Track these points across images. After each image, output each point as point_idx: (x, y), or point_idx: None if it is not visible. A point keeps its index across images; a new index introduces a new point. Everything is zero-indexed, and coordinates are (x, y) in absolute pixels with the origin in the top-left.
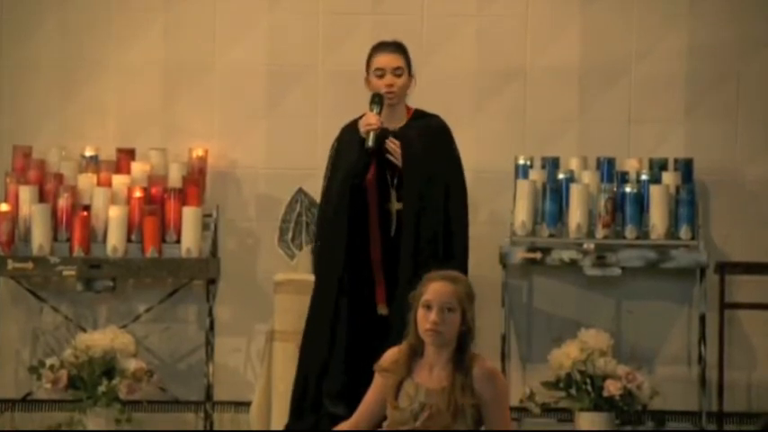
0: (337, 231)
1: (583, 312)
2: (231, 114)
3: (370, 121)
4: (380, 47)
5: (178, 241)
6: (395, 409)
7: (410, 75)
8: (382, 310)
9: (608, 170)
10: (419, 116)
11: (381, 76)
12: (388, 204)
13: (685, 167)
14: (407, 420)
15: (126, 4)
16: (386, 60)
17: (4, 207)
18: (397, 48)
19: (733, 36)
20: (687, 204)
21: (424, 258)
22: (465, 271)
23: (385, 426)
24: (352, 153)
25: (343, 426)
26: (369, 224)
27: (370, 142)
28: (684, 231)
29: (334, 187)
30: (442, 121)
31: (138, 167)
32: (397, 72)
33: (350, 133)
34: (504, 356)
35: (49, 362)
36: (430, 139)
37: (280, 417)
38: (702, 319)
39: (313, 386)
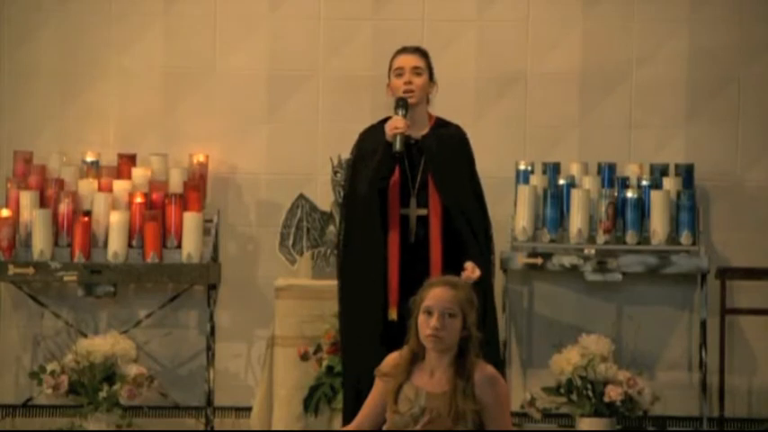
0: (372, 238)
1: (583, 318)
2: (232, 120)
3: (398, 124)
4: (402, 49)
5: (179, 246)
6: (395, 413)
7: (431, 80)
8: (393, 314)
9: (609, 175)
10: (440, 124)
11: (400, 75)
12: (407, 210)
13: (686, 173)
14: (408, 424)
15: (126, 10)
16: (405, 60)
17: (5, 212)
18: (418, 50)
19: (734, 41)
20: (688, 210)
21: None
22: (490, 278)
23: (384, 427)
24: (375, 156)
25: (346, 428)
26: (388, 229)
27: (398, 146)
28: (685, 237)
29: (360, 193)
30: (462, 131)
31: (138, 173)
32: (416, 71)
33: (370, 138)
34: (504, 361)
35: (49, 367)
36: (450, 150)
37: (280, 422)
38: (703, 324)
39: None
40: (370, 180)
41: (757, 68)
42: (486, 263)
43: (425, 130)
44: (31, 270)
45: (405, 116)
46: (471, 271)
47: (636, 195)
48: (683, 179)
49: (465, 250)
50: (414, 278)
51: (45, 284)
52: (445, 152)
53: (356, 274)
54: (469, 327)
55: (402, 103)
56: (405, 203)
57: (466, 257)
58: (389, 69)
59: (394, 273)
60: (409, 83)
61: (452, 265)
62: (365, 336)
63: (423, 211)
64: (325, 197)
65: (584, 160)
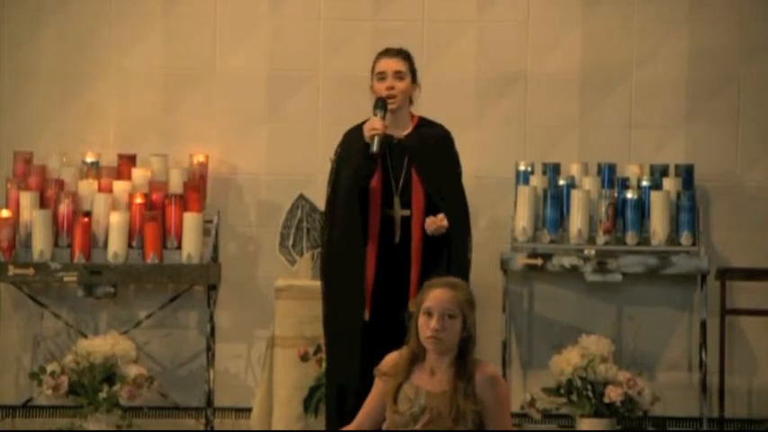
0: (352, 239)
1: (583, 318)
2: (232, 120)
3: (375, 125)
4: (384, 52)
5: (179, 247)
6: (394, 413)
7: (414, 82)
8: (365, 315)
9: (609, 176)
10: (424, 124)
11: (382, 79)
12: (391, 211)
13: (686, 173)
14: (407, 423)
15: (126, 10)
16: (387, 64)
17: (5, 213)
18: (400, 53)
19: (734, 41)
20: (688, 210)
21: (435, 268)
22: (466, 276)
23: (384, 427)
24: (356, 158)
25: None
26: (368, 229)
27: (375, 147)
28: (685, 237)
29: (340, 193)
30: (446, 131)
31: (138, 173)
32: (398, 75)
33: (353, 139)
34: (504, 362)
35: (49, 368)
36: (433, 148)
37: (280, 422)
38: (703, 324)
39: (352, 395)
40: (349, 181)
41: (757, 68)
42: (462, 259)
43: (408, 130)
44: (31, 271)
45: (383, 117)
46: (441, 219)
47: (636, 196)
48: (683, 179)
49: (447, 242)
50: (393, 279)
51: (45, 285)
52: (428, 149)
53: (337, 276)
54: (469, 328)
55: (380, 104)
56: (389, 205)
57: (446, 250)
58: (372, 71)
59: (370, 274)
60: (391, 87)
61: (432, 267)
62: (345, 336)
63: (406, 212)
64: (324, 198)
65: (584, 161)
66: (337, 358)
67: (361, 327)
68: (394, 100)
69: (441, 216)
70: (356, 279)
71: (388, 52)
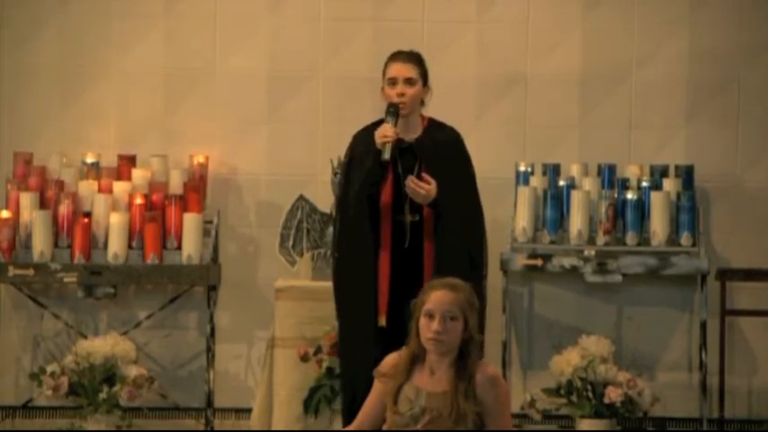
0: (361, 243)
1: (584, 319)
2: (232, 121)
3: (387, 133)
4: (395, 56)
5: (179, 248)
6: (395, 413)
7: (425, 85)
8: (382, 321)
9: (609, 176)
10: (434, 126)
11: (393, 85)
12: (401, 216)
13: (686, 174)
14: (408, 424)
15: (126, 10)
16: (398, 70)
17: (5, 214)
18: (411, 57)
19: (734, 42)
20: (688, 211)
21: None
22: (481, 279)
23: (384, 428)
24: (367, 162)
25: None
26: (380, 235)
27: (387, 155)
28: (685, 238)
29: (351, 198)
30: (456, 132)
31: (138, 174)
32: (408, 82)
33: (362, 142)
34: (504, 363)
35: (49, 368)
36: (444, 151)
37: (280, 423)
38: (703, 325)
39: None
40: (359, 186)
41: (757, 69)
42: (478, 262)
43: (418, 133)
44: (31, 271)
45: (395, 124)
46: (427, 181)
47: (636, 196)
48: (683, 180)
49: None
50: (407, 284)
51: (45, 286)
52: (439, 152)
53: (347, 279)
54: (470, 329)
55: (392, 110)
56: (400, 210)
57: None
58: (383, 74)
59: (384, 280)
60: (402, 94)
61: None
62: (358, 339)
63: (415, 217)
64: (325, 198)
65: (585, 161)
66: (350, 362)
67: (374, 331)
68: (404, 105)
69: (428, 181)
70: (366, 281)
71: (399, 56)
